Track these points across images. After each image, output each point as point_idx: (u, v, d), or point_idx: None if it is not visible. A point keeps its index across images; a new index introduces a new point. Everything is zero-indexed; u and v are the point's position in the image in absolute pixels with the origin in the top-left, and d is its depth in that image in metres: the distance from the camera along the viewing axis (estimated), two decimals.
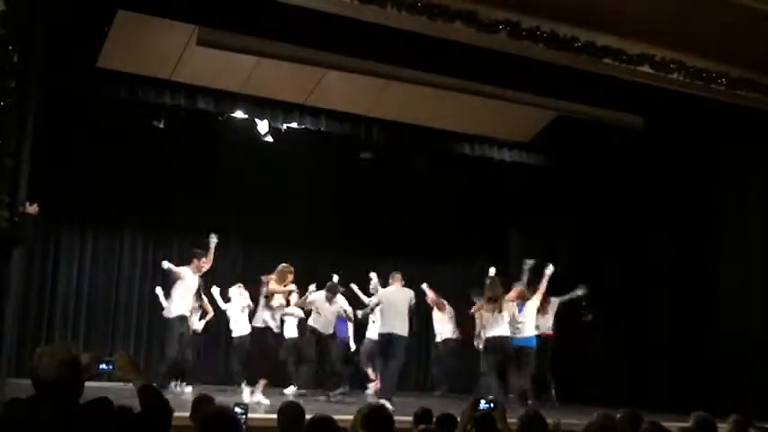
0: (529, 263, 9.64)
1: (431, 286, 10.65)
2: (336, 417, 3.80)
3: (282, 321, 9.27)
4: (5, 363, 6.50)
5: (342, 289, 9.75)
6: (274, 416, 4.27)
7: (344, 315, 9.91)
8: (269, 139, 10.41)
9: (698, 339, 9.99)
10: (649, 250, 10.90)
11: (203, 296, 9.74)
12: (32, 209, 6.47)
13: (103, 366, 3.13)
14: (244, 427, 3.59)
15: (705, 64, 8.68)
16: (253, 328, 9.08)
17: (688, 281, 10.32)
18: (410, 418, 4.93)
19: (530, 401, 8.83)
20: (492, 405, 4.32)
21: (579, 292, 9.85)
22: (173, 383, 9.23)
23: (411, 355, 10.73)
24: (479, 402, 4.31)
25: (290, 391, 9.53)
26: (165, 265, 9.34)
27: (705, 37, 8.26)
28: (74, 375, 2.90)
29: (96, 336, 10.65)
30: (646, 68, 8.41)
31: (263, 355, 8.80)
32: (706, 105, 8.98)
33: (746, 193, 9.93)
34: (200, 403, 4.28)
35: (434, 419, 4.61)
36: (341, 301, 9.77)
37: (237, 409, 3.67)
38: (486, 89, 9.20)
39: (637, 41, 8.34)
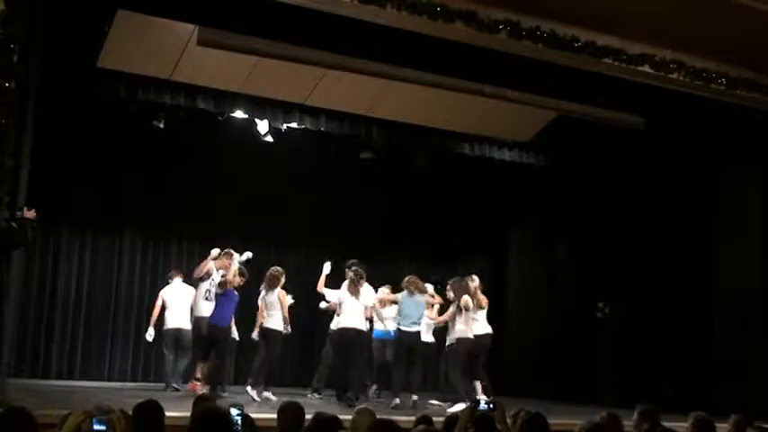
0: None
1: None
2: (342, 417, 3.81)
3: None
4: (5, 363, 6.50)
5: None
6: (274, 415, 4.28)
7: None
8: (269, 139, 10.39)
9: (698, 339, 9.97)
10: (649, 250, 10.87)
11: None
12: (30, 214, 6.45)
13: (98, 427, 2.90)
14: (239, 426, 3.56)
15: (705, 64, 8.69)
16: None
17: (688, 281, 10.29)
18: (412, 419, 4.89)
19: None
20: (492, 405, 4.32)
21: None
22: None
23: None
24: (479, 403, 4.31)
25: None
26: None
27: (705, 37, 8.26)
28: None
29: (96, 336, 10.64)
30: (646, 68, 8.41)
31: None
32: (706, 105, 8.98)
33: (746, 193, 9.91)
34: (199, 402, 4.29)
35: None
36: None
37: (234, 410, 3.65)
38: (486, 89, 9.21)
39: (637, 41, 8.33)
